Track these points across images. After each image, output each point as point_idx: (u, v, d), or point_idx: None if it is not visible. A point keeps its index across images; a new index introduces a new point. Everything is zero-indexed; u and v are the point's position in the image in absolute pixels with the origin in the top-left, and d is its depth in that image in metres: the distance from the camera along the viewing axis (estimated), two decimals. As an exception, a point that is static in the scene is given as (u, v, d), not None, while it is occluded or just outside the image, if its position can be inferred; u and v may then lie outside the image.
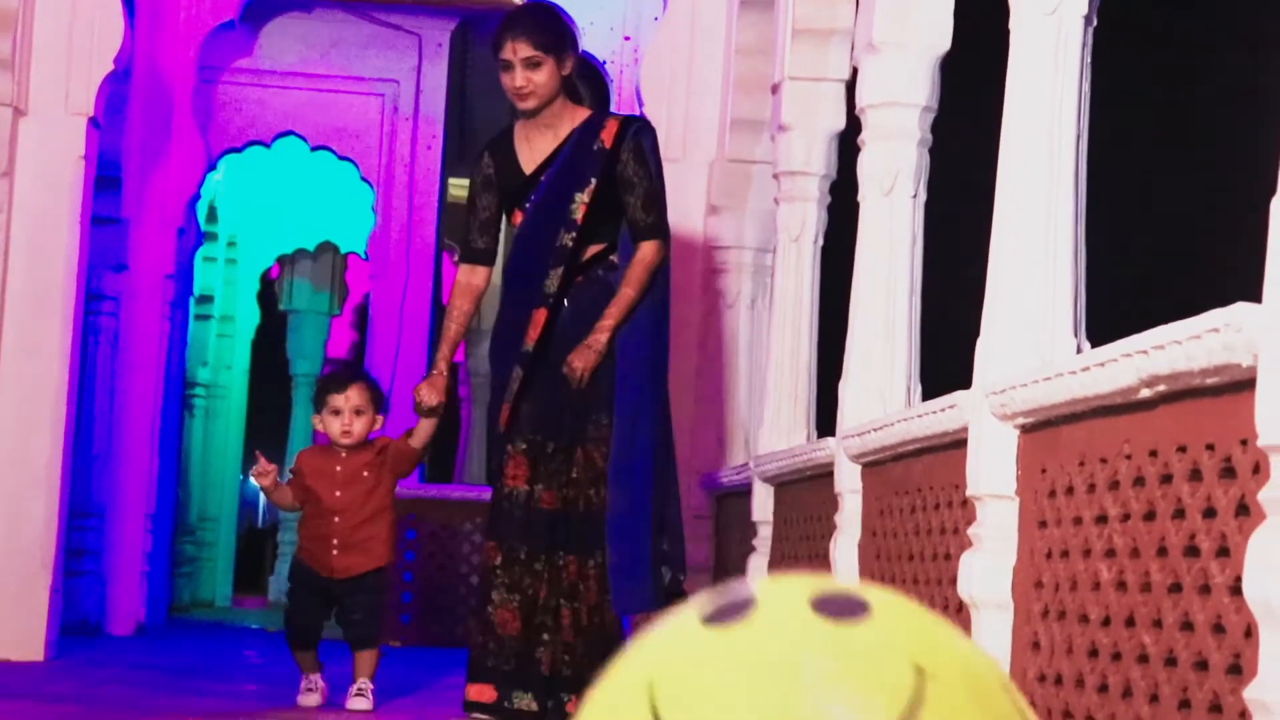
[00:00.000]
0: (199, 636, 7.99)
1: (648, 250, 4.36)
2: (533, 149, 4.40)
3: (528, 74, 4.28)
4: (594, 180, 4.33)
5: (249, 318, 10.16)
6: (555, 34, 4.33)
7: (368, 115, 8.05)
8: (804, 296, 4.79)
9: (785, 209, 4.87)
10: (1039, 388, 2.58)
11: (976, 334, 2.98)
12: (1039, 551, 2.66)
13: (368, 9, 8.01)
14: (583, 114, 4.43)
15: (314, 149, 8.07)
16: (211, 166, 7.73)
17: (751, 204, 5.70)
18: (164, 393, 7.54)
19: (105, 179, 6.59)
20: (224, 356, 9.80)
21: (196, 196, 7.48)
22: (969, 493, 2.86)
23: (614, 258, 4.39)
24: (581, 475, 4.26)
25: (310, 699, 4.54)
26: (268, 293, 10.47)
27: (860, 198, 3.98)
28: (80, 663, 5.61)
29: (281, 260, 10.16)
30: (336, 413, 4.47)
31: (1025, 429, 2.76)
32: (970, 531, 2.85)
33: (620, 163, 4.35)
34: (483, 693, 4.18)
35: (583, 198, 4.33)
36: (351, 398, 4.48)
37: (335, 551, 4.47)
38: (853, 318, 3.91)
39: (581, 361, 4.21)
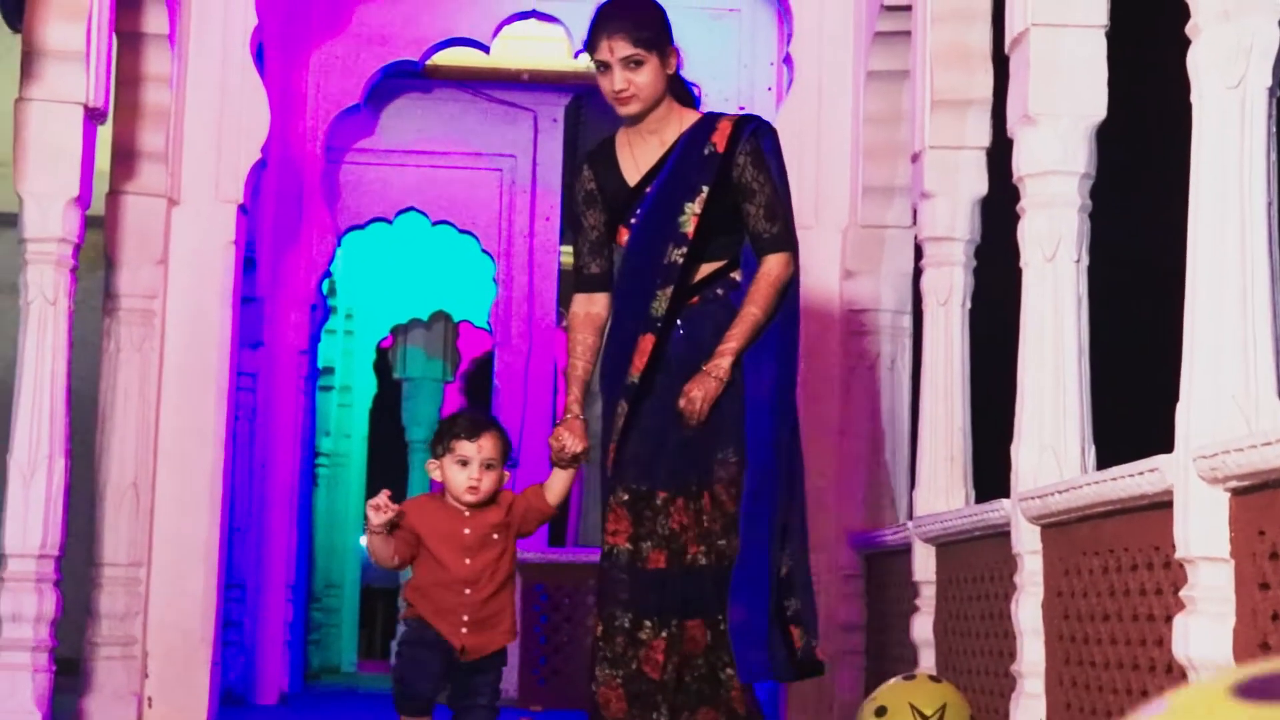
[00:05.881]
0: (338, 705, 8.12)
1: (773, 265, 3.80)
2: (637, 158, 3.89)
3: (628, 75, 3.78)
4: (706, 188, 3.81)
5: (366, 387, 10.42)
6: (658, 28, 3.81)
7: (487, 190, 8.28)
8: (955, 359, 4.89)
9: (931, 273, 4.99)
10: (1255, 452, 2.68)
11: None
12: (1262, 613, 2.74)
13: (484, 88, 8.25)
14: (692, 116, 3.91)
15: (435, 223, 8.31)
16: (338, 244, 7.98)
17: (886, 267, 5.82)
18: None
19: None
20: (344, 426, 10.05)
21: (327, 274, 7.71)
22: (1178, 555, 2.95)
23: (736, 275, 3.86)
24: (713, 525, 3.72)
25: None
26: (382, 362, 10.72)
27: (1023, 263, 4.07)
28: (240, 734, 5.76)
29: (395, 330, 10.39)
30: (464, 463, 3.75)
31: (1237, 492, 2.85)
32: (1184, 594, 2.94)
33: (737, 167, 3.82)
34: None
35: (694, 208, 3.81)
36: (485, 448, 3.75)
37: (465, 629, 3.75)
38: (1021, 381, 3.99)
39: (701, 390, 3.67)
